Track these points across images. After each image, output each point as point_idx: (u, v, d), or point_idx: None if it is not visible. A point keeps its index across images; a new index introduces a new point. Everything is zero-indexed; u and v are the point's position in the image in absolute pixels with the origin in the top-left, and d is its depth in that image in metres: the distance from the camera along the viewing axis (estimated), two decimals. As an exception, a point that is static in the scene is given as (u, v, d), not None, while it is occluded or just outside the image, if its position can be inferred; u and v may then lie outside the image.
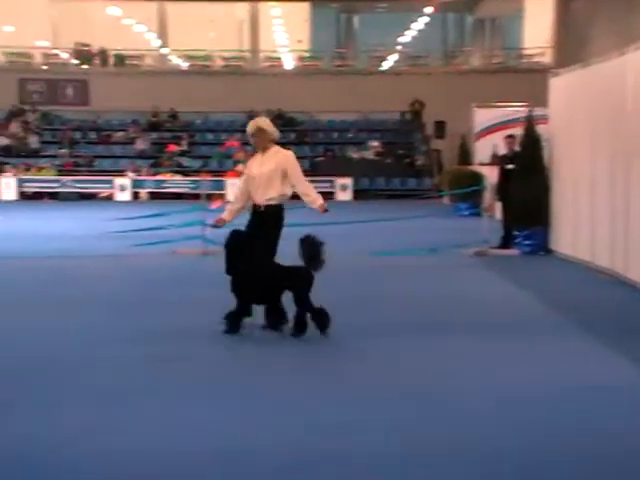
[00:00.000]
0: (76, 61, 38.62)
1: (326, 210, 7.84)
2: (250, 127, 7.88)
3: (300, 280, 7.27)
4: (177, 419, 5.13)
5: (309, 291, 7.25)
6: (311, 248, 7.27)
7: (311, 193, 7.85)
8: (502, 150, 15.19)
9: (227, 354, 6.92)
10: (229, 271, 7.39)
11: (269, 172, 7.65)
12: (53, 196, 30.64)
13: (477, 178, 20.96)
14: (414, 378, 6.10)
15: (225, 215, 7.98)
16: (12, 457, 4.46)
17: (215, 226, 8.00)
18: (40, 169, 32.09)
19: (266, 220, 7.65)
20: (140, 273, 11.72)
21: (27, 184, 31.13)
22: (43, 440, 4.71)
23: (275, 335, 7.50)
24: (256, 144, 7.89)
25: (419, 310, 8.94)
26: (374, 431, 4.90)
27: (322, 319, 7.26)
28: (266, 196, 7.65)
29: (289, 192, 7.80)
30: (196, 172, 31.47)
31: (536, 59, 37.80)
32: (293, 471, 4.32)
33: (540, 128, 14.23)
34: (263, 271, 7.36)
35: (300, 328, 7.26)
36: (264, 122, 7.95)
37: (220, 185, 30.38)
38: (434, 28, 42.54)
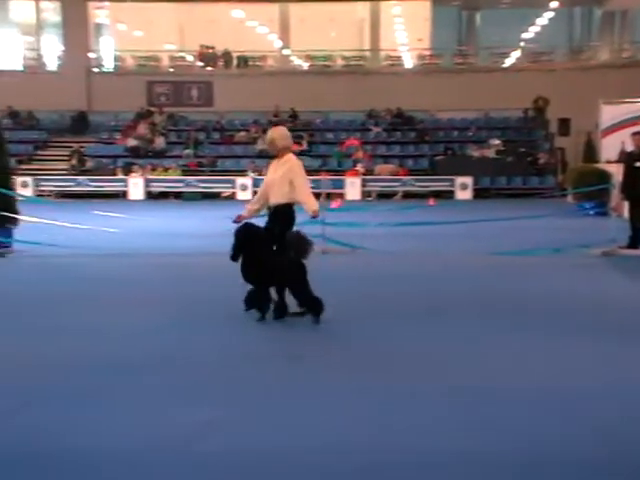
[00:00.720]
0: (201, 63, 39.63)
1: (315, 216, 8.56)
2: (266, 137, 8.90)
3: (289, 272, 7.91)
4: (300, 416, 5.16)
5: (301, 281, 7.89)
6: (294, 241, 8.01)
7: (308, 201, 8.52)
8: (630, 147, 14.62)
9: (341, 351, 6.92)
10: (234, 258, 8.06)
11: (279, 179, 8.49)
12: (178, 196, 31.54)
13: (603, 176, 20.30)
14: (528, 379, 5.93)
15: (244, 213, 8.67)
16: (135, 451, 4.59)
17: (235, 222, 8.52)
18: (166, 169, 33.09)
19: (277, 218, 8.44)
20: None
21: (154, 184, 32.16)
22: (164, 435, 4.82)
23: (398, 334, 7.48)
24: (271, 152, 8.82)
25: (539, 309, 8.71)
26: (482, 432, 4.80)
27: (315, 308, 7.87)
28: (276, 199, 8.47)
29: (294, 193, 8.49)
30: (316, 171, 31.71)
31: (669, 53, 36.32)
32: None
33: (672, 124, 13.62)
34: (266, 264, 8.00)
35: (316, 310, 7.89)
36: (275, 133, 8.76)
37: (339, 184, 30.55)
38: (559, 23, 41.48)
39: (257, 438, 4.75)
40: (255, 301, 8.18)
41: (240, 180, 31.63)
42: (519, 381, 5.93)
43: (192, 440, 4.72)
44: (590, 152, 26.82)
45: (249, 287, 8.22)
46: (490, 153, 33.26)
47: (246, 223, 8.22)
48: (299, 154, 33.70)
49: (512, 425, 4.96)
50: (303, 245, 8.02)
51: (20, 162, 33.69)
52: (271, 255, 8.14)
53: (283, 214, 8.45)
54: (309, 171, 33.80)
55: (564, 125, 33.48)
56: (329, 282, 10.88)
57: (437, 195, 29.83)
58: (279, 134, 8.73)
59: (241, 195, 31.15)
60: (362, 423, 5.01)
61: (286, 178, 8.46)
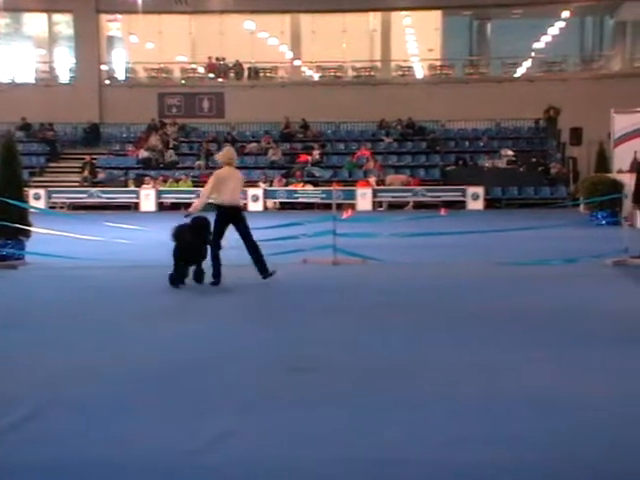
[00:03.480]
0: (212, 75, 39.76)
1: (188, 214, 11.54)
2: None
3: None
4: (311, 427, 5.14)
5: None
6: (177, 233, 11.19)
7: (199, 198, 12.04)
8: (642, 157, 14.57)
9: (357, 362, 6.90)
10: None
11: None
12: (189, 207, 31.52)
13: (616, 186, 20.22)
14: (544, 389, 5.90)
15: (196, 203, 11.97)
16: (147, 462, 4.58)
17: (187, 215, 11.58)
18: (177, 181, 33.17)
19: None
20: (271, 281, 11.88)
21: (165, 195, 32.23)
22: (180, 445, 4.81)
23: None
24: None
25: (549, 319, 8.67)
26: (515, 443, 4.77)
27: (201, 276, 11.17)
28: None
29: (221, 197, 11.40)
30: (327, 182, 31.76)
31: (681, 62, 36.19)
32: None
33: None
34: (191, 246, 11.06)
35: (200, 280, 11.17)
36: (219, 154, 12.54)
37: (351, 195, 30.57)
38: (571, 33, 41.47)
39: (265, 449, 4.73)
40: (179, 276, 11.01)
41: (252, 191, 31.65)
42: (527, 392, 5.89)
43: (203, 451, 4.71)
44: (602, 162, 26.70)
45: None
46: (501, 163, 33.22)
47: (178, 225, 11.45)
48: (311, 165, 33.88)
49: (524, 435, 4.93)
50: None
51: (32, 174, 33.87)
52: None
53: (215, 210, 11.43)
54: (322, 182, 33.91)
55: (576, 135, 33.39)
56: (340, 292, 10.89)
57: (448, 205, 29.78)
58: (220, 154, 12.37)
59: (252, 206, 31.15)
60: (370, 434, 4.99)
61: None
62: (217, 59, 39.55)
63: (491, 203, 31.28)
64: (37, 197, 30.88)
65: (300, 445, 4.81)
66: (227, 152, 12.08)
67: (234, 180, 11.51)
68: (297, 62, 40.32)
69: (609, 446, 4.78)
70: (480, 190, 31.06)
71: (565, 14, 37.95)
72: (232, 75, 39.59)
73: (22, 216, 13.87)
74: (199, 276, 11.16)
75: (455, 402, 5.65)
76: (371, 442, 4.85)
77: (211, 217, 11.29)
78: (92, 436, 4.95)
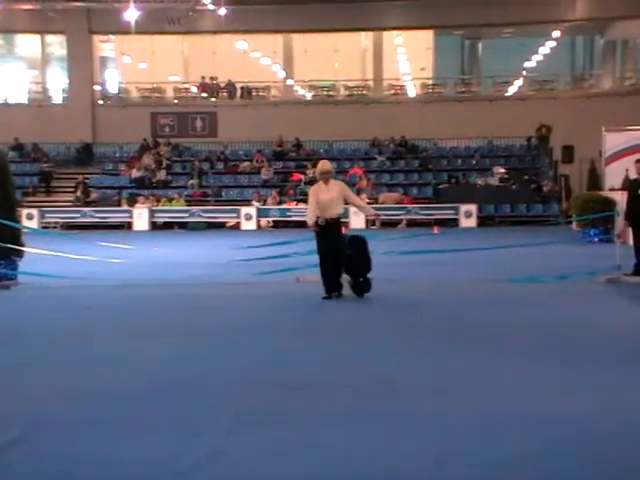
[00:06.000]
0: (205, 94, 39.86)
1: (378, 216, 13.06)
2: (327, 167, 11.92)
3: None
4: (305, 444, 5.13)
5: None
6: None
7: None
8: (633, 174, 14.64)
9: (347, 379, 6.89)
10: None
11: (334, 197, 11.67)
12: (182, 226, 31.59)
13: (608, 203, 20.31)
14: (534, 406, 5.90)
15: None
16: None
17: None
18: (170, 200, 33.18)
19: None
20: (264, 300, 11.88)
21: (158, 214, 32.23)
22: (169, 465, 4.78)
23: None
24: (324, 180, 11.76)
25: (541, 336, 8.67)
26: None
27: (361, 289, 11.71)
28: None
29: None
30: (320, 200, 31.72)
31: (671, 80, 36.46)
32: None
33: (675, 150, 13.64)
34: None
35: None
36: (330, 166, 12.05)
37: (344, 213, 30.57)
38: (561, 52, 41.79)
39: (259, 468, 4.72)
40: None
41: (245, 210, 31.69)
42: (517, 409, 5.89)
43: (194, 470, 4.69)
44: (594, 179, 26.87)
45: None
46: (494, 181, 33.33)
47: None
48: (305, 183, 33.93)
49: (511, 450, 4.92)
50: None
51: (25, 194, 33.84)
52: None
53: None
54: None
55: (568, 152, 33.55)
56: (333, 309, 10.88)
57: (441, 223, 29.83)
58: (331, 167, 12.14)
59: (246, 225, 31.16)
60: (358, 452, 4.97)
61: (340, 196, 11.86)
62: (210, 79, 39.68)
63: (484, 220, 31.35)
64: (30, 217, 30.83)
65: (291, 463, 4.79)
66: (318, 165, 12.18)
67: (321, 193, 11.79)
68: (289, 81, 40.49)
69: (601, 464, 4.77)
70: (473, 208, 31.14)
71: (556, 33, 38.25)
72: (225, 94, 39.70)
73: (15, 236, 13.83)
74: (359, 289, 11.80)
75: (444, 419, 5.64)
76: (359, 459, 4.83)
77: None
78: (82, 456, 4.92)
